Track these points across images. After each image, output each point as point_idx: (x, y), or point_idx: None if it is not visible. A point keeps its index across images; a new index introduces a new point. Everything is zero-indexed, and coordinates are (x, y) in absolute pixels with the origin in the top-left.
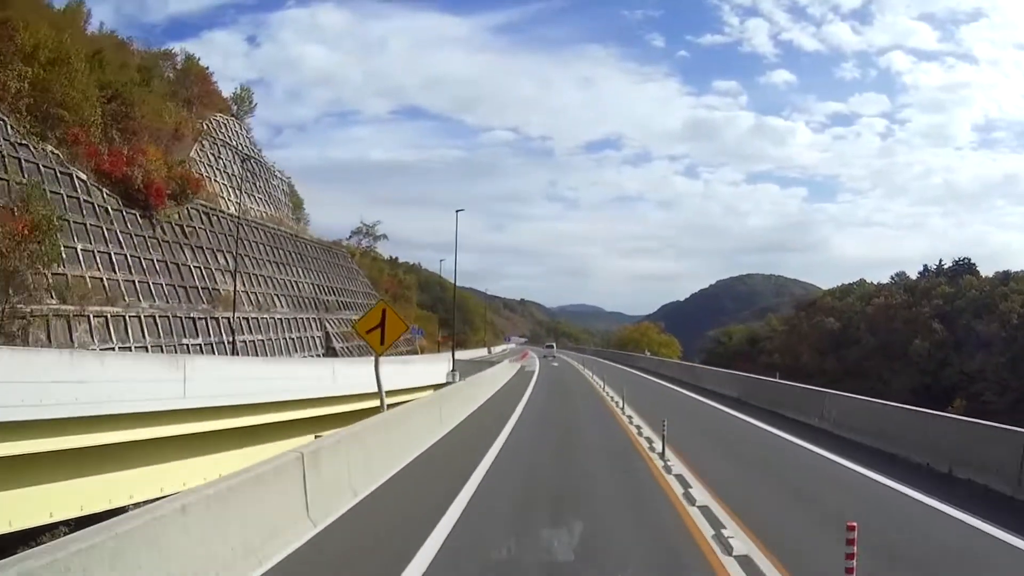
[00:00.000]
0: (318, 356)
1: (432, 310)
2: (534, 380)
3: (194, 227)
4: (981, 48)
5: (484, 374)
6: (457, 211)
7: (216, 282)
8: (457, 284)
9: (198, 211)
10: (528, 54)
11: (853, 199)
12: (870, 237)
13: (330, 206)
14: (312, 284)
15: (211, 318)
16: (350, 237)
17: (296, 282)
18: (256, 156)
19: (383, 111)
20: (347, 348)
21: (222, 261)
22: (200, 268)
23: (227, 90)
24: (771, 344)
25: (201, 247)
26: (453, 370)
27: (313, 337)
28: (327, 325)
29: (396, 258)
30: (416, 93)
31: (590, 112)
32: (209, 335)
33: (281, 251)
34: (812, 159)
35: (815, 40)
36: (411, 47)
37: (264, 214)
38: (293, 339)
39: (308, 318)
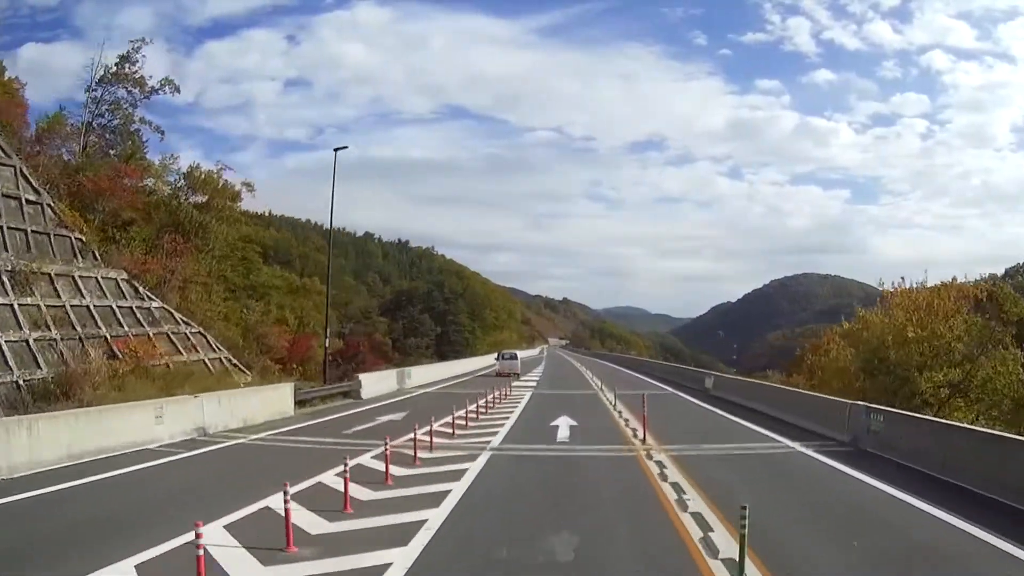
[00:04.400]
0: None
1: (428, 299)
2: None
3: None
4: (1019, 47)
5: None
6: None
7: None
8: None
9: None
10: (570, 53)
11: (894, 201)
12: (909, 238)
13: (371, 204)
14: None
15: None
16: (88, 90)
17: None
18: None
19: (424, 110)
20: None
21: None
22: None
23: None
24: None
25: None
26: None
27: None
28: None
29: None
30: (457, 92)
31: (632, 111)
32: None
33: None
34: (854, 160)
35: (856, 39)
36: (452, 45)
37: None
38: None
39: None
